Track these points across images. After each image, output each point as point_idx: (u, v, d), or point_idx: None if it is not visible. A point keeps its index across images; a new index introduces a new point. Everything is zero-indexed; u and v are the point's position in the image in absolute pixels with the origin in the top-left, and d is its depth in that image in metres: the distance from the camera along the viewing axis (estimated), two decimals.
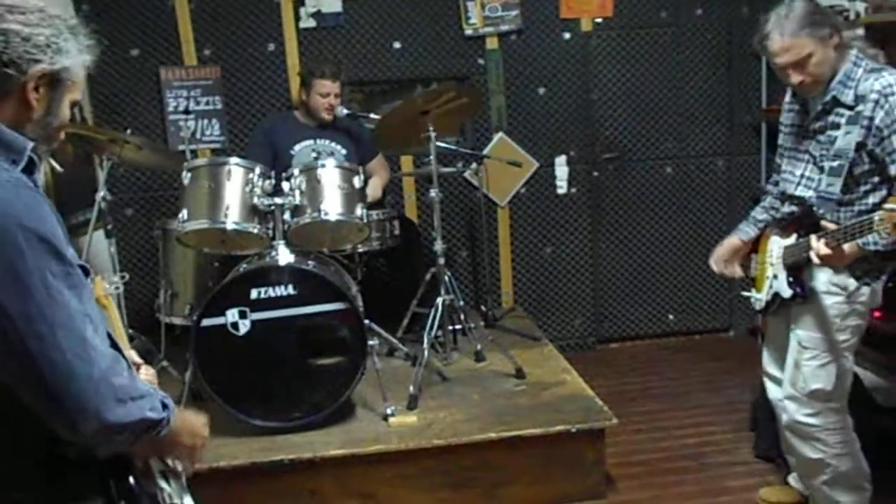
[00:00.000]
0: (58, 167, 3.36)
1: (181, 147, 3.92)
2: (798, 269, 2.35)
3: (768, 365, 2.67)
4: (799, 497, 2.76)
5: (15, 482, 1.21)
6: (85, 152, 3.79)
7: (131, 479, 1.32)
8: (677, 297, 4.72)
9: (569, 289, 4.64)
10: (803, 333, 2.37)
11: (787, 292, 2.38)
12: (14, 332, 1.09)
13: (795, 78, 2.22)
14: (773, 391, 2.63)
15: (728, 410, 3.62)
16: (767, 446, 3.10)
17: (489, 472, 2.82)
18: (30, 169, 1.20)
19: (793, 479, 2.80)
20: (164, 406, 1.27)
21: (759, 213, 2.62)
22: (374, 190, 3.67)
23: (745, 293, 2.65)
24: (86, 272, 1.26)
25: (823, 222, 2.17)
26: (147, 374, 1.56)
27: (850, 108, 2.20)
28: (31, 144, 1.20)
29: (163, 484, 1.43)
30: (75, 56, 1.25)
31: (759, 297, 2.55)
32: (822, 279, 2.31)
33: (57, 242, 1.15)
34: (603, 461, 2.90)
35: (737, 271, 2.64)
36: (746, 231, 2.63)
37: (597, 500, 2.86)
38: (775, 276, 2.45)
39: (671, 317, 4.74)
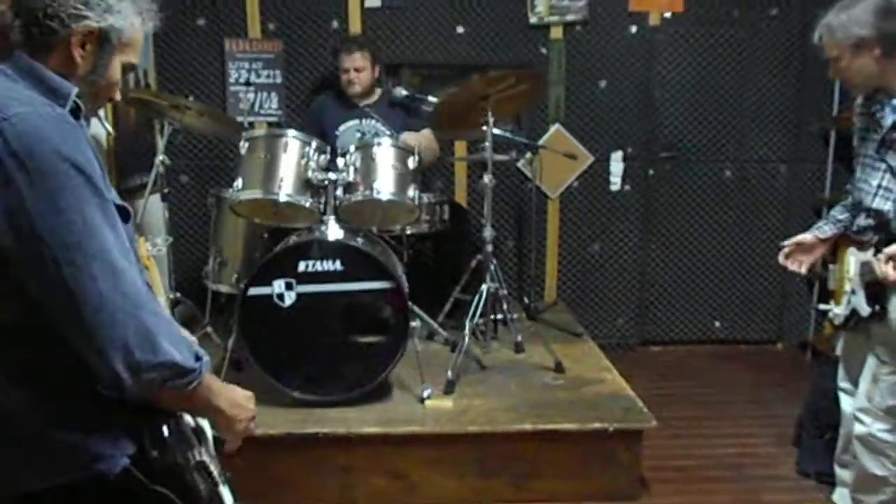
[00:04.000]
0: (110, 129, 3.42)
1: (239, 118, 3.96)
2: (877, 285, 2.24)
3: (843, 380, 2.60)
4: None
5: (58, 422, 1.22)
6: (146, 117, 3.86)
7: (164, 429, 1.32)
8: (725, 304, 4.61)
9: (614, 287, 4.57)
10: (882, 349, 2.30)
11: (865, 310, 2.30)
12: (52, 261, 1.12)
13: (831, 73, 2.29)
14: (846, 403, 2.57)
15: (771, 424, 3.52)
16: (810, 463, 3.01)
17: (521, 464, 2.80)
18: (74, 115, 1.21)
19: (837, 498, 2.71)
20: (198, 357, 1.25)
21: (839, 213, 2.52)
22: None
23: (824, 306, 2.55)
24: (126, 214, 1.26)
25: (889, 248, 2.08)
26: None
27: None
28: (75, 90, 1.22)
29: (194, 442, 1.44)
30: (128, 17, 1.26)
31: (838, 313, 2.46)
32: None
33: (94, 175, 1.16)
34: (638, 463, 2.85)
35: (797, 268, 2.55)
36: (823, 229, 2.53)
37: (628, 501, 2.82)
38: (853, 292, 2.36)
39: (717, 324, 4.63)
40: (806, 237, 2.55)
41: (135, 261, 1.24)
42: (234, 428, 1.40)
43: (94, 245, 1.13)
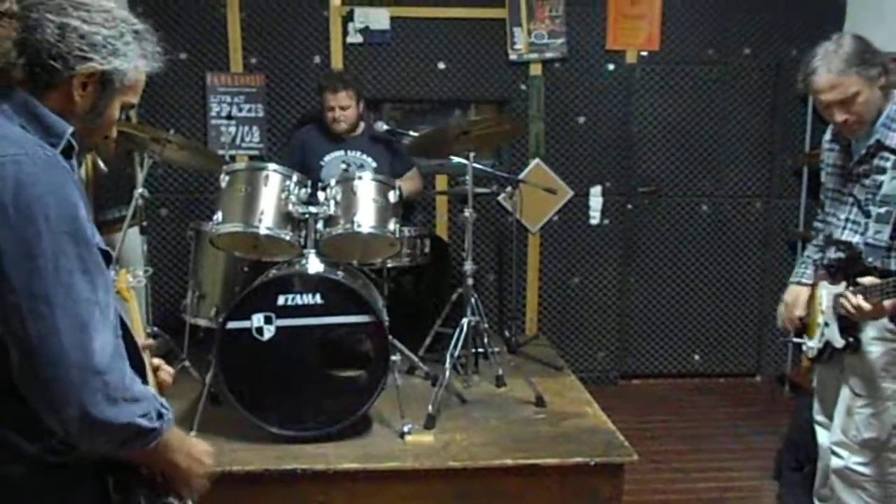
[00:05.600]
0: (103, 166, 3.41)
1: (220, 152, 3.96)
2: (849, 317, 2.25)
3: (818, 413, 2.60)
4: None
5: (13, 454, 1.19)
6: (126, 150, 3.85)
7: (130, 476, 1.28)
8: (704, 337, 4.64)
9: (594, 321, 4.59)
10: (856, 381, 2.31)
11: (838, 342, 2.31)
12: (16, 308, 1.09)
13: (839, 116, 2.17)
14: (823, 437, 2.57)
15: (751, 457, 3.53)
16: (791, 497, 3.01)
17: (502, 499, 2.76)
18: (67, 154, 1.20)
19: None
20: (160, 416, 1.21)
21: (813, 253, 2.54)
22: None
23: (797, 339, 2.54)
24: (108, 258, 1.23)
25: (861, 280, 2.10)
26: (165, 375, 1.53)
27: None
28: (70, 129, 1.20)
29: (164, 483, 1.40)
30: (133, 60, 1.25)
31: (812, 346, 2.46)
32: (875, 325, 2.24)
33: (79, 224, 1.13)
34: (619, 497, 2.82)
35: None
36: (807, 273, 2.53)
37: None
38: (826, 325, 2.37)
39: (697, 357, 4.66)
40: (802, 291, 2.52)
41: (113, 309, 1.20)
42: (189, 482, 1.37)
43: (63, 297, 1.10)
